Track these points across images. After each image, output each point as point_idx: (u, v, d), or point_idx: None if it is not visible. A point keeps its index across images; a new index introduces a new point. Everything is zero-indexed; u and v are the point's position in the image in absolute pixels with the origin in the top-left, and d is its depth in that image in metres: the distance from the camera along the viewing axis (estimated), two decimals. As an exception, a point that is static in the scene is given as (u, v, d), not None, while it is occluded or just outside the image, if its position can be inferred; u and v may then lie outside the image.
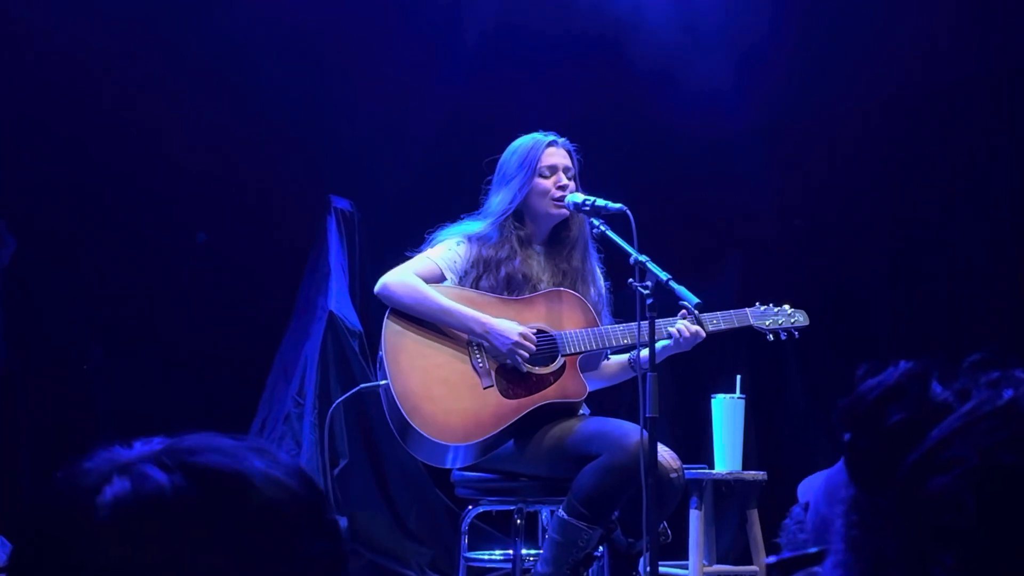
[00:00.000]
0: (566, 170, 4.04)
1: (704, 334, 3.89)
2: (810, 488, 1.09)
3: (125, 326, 5.75)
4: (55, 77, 5.57)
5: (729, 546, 5.41)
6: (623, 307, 4.07)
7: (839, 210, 6.15)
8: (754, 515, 4.35)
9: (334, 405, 4.53)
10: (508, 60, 6.01)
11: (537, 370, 3.93)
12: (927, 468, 0.75)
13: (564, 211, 4.00)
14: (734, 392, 4.31)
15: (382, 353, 3.92)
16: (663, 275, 3.59)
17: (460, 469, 4.00)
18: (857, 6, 5.96)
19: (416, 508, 5.66)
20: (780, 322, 4.08)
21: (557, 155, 4.05)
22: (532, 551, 4.03)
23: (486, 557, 4.55)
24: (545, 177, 4.01)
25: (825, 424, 5.63)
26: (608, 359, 4.14)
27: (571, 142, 4.12)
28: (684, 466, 3.84)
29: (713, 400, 4.34)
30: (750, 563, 4.43)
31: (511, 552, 3.97)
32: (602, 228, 3.84)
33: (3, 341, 5.47)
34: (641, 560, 3.74)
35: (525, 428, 3.88)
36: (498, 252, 3.99)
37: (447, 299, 3.92)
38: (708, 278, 5.06)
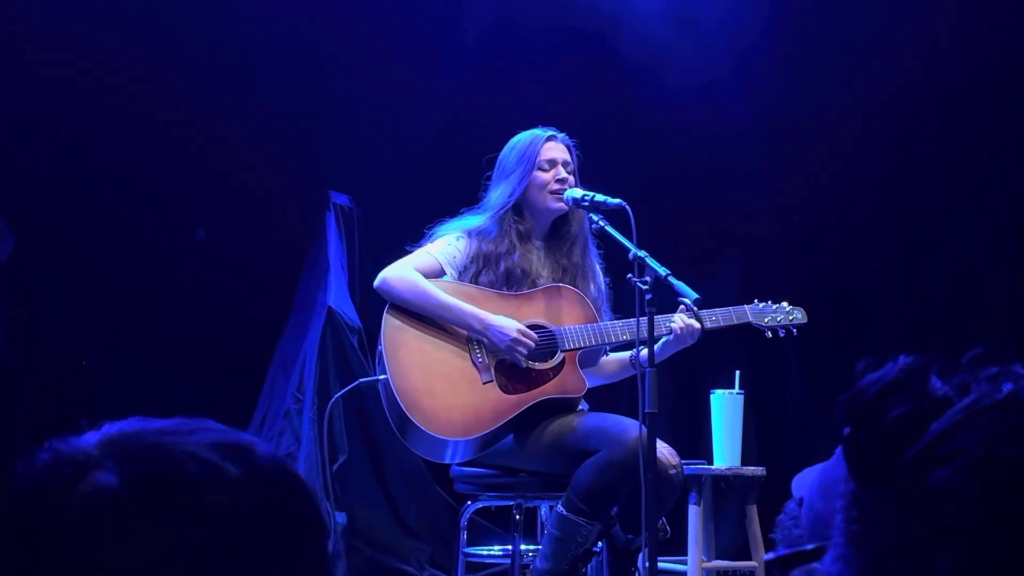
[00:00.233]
0: (565, 164, 4.04)
1: (699, 326, 3.89)
2: (804, 483, 1.09)
3: (124, 323, 5.75)
4: (52, 72, 5.56)
5: (728, 542, 5.41)
6: (622, 303, 4.07)
7: (839, 208, 6.15)
8: (753, 511, 4.35)
9: (333, 400, 4.53)
10: (508, 57, 6.01)
11: (537, 366, 3.93)
12: (928, 461, 0.75)
13: (563, 204, 4.00)
14: (733, 388, 4.31)
15: (381, 348, 3.93)
16: (662, 271, 3.59)
17: (459, 464, 4.00)
18: (857, 5, 5.96)
19: (415, 503, 5.66)
20: (779, 319, 4.09)
21: (556, 149, 4.05)
22: (531, 547, 4.04)
23: (485, 553, 4.55)
24: (544, 171, 4.01)
25: (824, 420, 5.63)
26: (607, 355, 4.14)
27: (570, 138, 4.12)
28: (683, 462, 3.85)
29: (712, 396, 4.33)
30: (749, 559, 4.43)
31: (510, 548, 3.97)
32: (601, 223, 3.84)
33: (2, 339, 5.47)
34: (640, 556, 3.75)
35: (524, 423, 3.88)
36: (497, 247, 4.00)
37: (446, 295, 3.93)
38: (707, 275, 5.06)
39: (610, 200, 3.84)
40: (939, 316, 5.97)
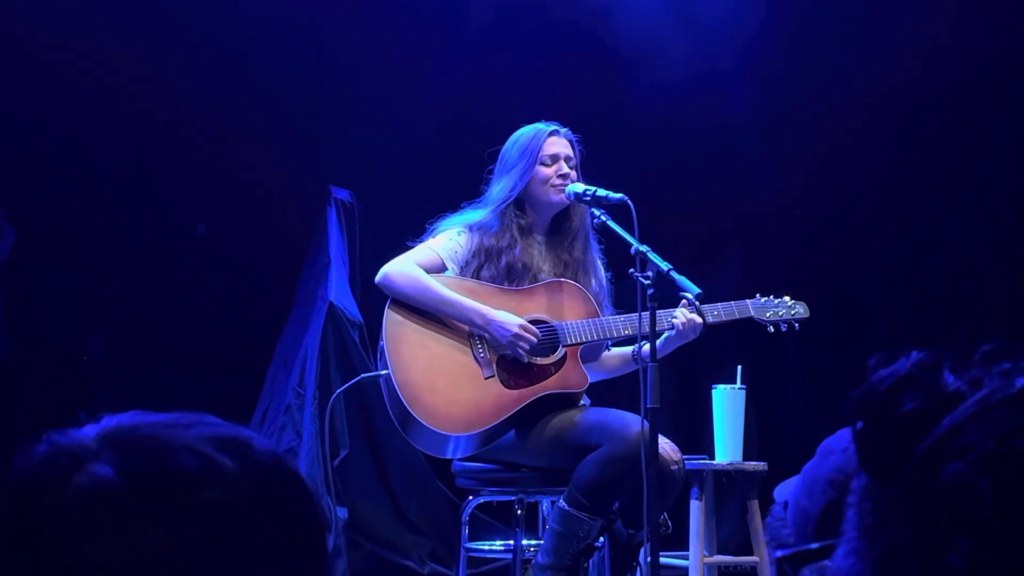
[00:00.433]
0: (567, 159, 4.04)
1: (701, 321, 3.89)
2: (786, 489, 1.09)
3: (125, 317, 5.74)
4: (53, 66, 5.56)
5: (729, 537, 5.41)
6: (624, 298, 4.07)
7: (840, 204, 6.15)
8: (754, 506, 4.35)
9: (334, 395, 4.53)
10: (510, 51, 6.00)
11: (538, 361, 3.93)
12: (940, 455, 0.75)
13: (564, 198, 3.99)
14: (735, 383, 4.31)
15: (383, 343, 3.92)
16: (664, 265, 3.59)
17: (461, 459, 4.00)
18: (857, 3, 5.96)
19: (416, 499, 5.66)
20: (780, 314, 4.09)
21: (559, 144, 4.05)
22: (532, 542, 4.03)
23: (486, 548, 4.55)
24: (546, 165, 4.01)
25: (825, 415, 5.63)
26: (609, 350, 4.14)
27: (573, 133, 4.12)
28: (684, 457, 3.85)
29: (714, 391, 4.33)
30: (750, 554, 4.43)
31: (511, 543, 3.97)
32: (603, 218, 3.84)
33: (2, 333, 5.47)
34: (641, 551, 3.75)
35: (526, 418, 3.88)
36: (499, 241, 3.99)
37: (448, 290, 3.92)
38: (709, 270, 5.06)
39: (612, 195, 3.84)
40: (939, 314, 5.97)
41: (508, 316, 3.90)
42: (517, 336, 3.87)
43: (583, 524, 3.71)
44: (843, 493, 0.97)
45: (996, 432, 0.75)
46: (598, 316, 3.98)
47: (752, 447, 4.48)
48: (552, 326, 3.95)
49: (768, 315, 4.06)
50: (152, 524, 0.86)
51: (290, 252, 5.85)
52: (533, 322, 3.93)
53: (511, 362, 3.93)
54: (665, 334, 3.89)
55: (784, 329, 4.10)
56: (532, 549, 3.94)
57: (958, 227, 6.01)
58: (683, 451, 3.84)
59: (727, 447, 4.28)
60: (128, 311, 5.75)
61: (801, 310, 4.12)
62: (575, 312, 3.98)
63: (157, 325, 5.75)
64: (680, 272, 3.62)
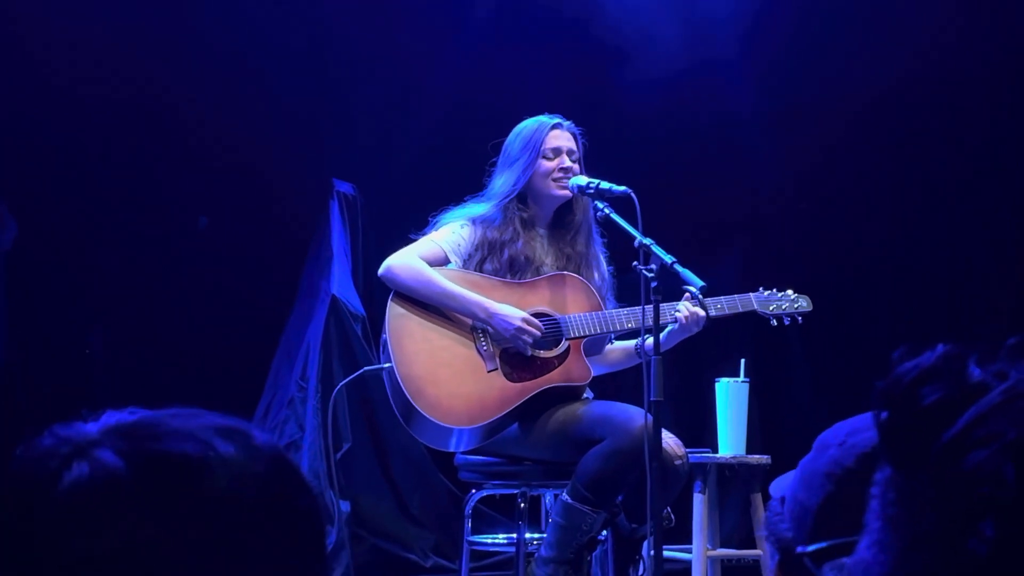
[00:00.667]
0: (570, 152, 4.03)
1: (704, 314, 3.88)
2: (782, 484, 1.10)
3: (127, 311, 5.74)
4: (55, 62, 5.55)
5: (733, 530, 5.42)
6: (627, 292, 4.07)
7: (843, 197, 6.15)
8: (758, 499, 4.35)
9: (337, 389, 4.53)
10: (513, 44, 6.00)
11: (541, 354, 3.93)
12: (965, 444, 0.75)
13: (566, 191, 3.99)
14: (738, 376, 4.31)
15: (386, 336, 3.92)
16: (668, 258, 3.59)
17: (464, 453, 4.00)
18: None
19: (419, 492, 5.67)
20: (783, 307, 4.08)
21: (561, 137, 4.04)
22: (536, 535, 4.03)
23: (489, 541, 4.55)
24: (549, 159, 4.00)
25: (828, 408, 5.63)
26: (612, 344, 4.14)
27: (576, 126, 4.11)
28: (688, 450, 3.85)
29: (717, 384, 4.34)
30: (754, 547, 4.44)
31: (514, 536, 3.97)
32: (606, 211, 3.83)
33: (4, 327, 5.46)
34: (645, 544, 3.75)
35: (529, 412, 3.88)
36: (502, 234, 3.99)
37: (451, 283, 3.92)
38: (712, 263, 5.06)
39: (615, 187, 3.83)
40: (939, 312, 5.98)
41: (511, 309, 3.89)
42: (520, 329, 3.87)
43: (586, 517, 3.71)
44: (840, 487, 0.97)
45: (1020, 422, 0.75)
46: (601, 309, 3.97)
47: (755, 440, 4.49)
48: (555, 319, 3.94)
49: (771, 308, 4.06)
50: (156, 508, 0.86)
51: (293, 246, 5.85)
52: (536, 315, 3.92)
53: (514, 355, 3.92)
54: (668, 327, 3.89)
55: (787, 322, 4.10)
56: (535, 542, 3.94)
57: (960, 217, 6.01)
58: (686, 444, 3.84)
59: (730, 440, 4.29)
60: (130, 306, 5.74)
61: (804, 303, 4.12)
62: (578, 305, 3.98)
63: (159, 320, 5.75)
64: (684, 265, 3.62)
